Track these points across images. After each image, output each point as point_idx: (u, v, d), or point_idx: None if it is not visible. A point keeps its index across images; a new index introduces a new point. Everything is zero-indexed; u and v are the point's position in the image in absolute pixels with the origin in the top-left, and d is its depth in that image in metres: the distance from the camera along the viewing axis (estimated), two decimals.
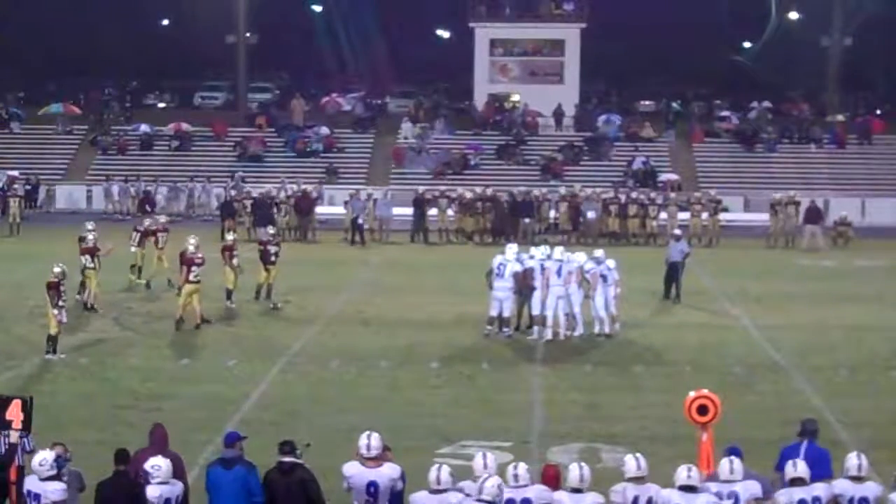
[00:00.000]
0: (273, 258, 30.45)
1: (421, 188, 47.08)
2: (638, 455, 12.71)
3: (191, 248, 27.44)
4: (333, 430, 18.74)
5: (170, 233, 32.90)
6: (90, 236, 29.46)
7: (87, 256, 28.85)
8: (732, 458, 12.77)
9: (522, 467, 12.46)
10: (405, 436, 17.59)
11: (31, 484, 12.41)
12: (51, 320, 23.97)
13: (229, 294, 29.76)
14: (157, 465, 12.49)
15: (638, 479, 12.46)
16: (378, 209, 45.39)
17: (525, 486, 12.33)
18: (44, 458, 12.42)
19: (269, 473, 12.87)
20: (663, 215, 45.61)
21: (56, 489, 12.32)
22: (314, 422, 19.52)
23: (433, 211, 45.46)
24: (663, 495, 12.38)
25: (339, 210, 46.62)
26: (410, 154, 56.91)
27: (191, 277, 27.11)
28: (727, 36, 77.12)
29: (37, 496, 12.31)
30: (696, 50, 75.22)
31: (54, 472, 12.39)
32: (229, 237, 31.64)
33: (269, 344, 25.91)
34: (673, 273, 31.63)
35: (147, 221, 34.19)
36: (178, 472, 13.14)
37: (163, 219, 34.64)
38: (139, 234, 32.76)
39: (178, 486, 12.59)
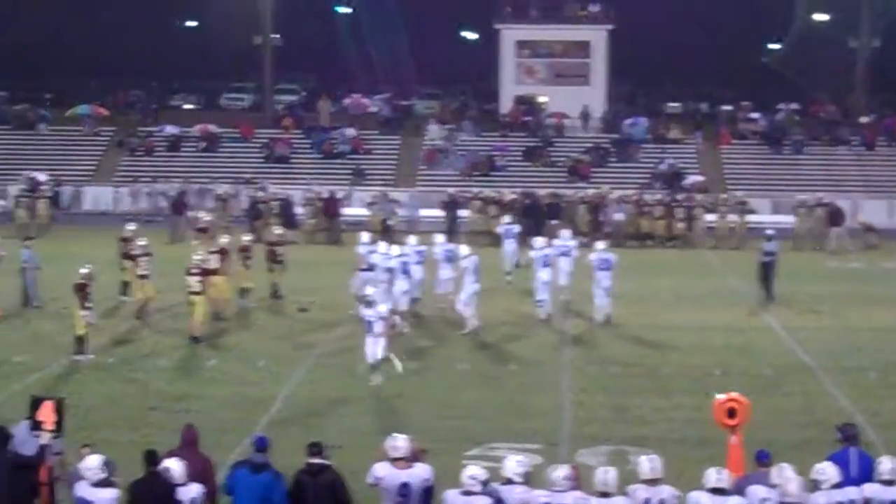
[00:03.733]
0: (279, 258, 30.72)
1: (451, 189, 47.07)
2: (653, 457, 12.64)
3: (195, 257, 26.82)
4: (361, 431, 18.77)
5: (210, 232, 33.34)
6: (139, 241, 28.98)
7: (130, 262, 28.79)
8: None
9: (563, 470, 12.39)
10: (433, 437, 17.52)
11: (82, 490, 12.26)
12: (78, 321, 24.03)
13: (243, 293, 29.91)
14: (170, 466, 12.48)
15: (652, 482, 12.40)
16: (405, 210, 45.36)
17: (563, 491, 12.26)
18: (92, 463, 12.28)
19: (298, 475, 12.85)
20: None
21: (107, 497, 12.20)
22: (342, 423, 19.53)
23: (463, 212, 45.48)
24: (692, 498, 12.33)
25: (364, 211, 46.42)
26: (438, 156, 56.93)
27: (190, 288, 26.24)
28: (754, 37, 76.80)
29: None
30: (722, 52, 74.90)
31: (105, 474, 12.27)
32: (223, 240, 30.54)
33: (296, 345, 25.93)
34: (767, 272, 31.80)
35: (207, 217, 34.86)
36: (207, 474, 13.15)
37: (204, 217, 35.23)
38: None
39: (200, 487, 12.56)
